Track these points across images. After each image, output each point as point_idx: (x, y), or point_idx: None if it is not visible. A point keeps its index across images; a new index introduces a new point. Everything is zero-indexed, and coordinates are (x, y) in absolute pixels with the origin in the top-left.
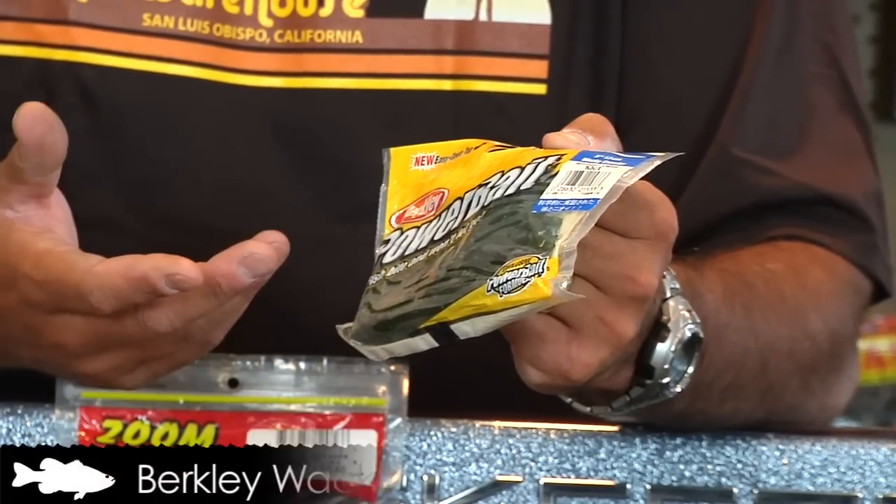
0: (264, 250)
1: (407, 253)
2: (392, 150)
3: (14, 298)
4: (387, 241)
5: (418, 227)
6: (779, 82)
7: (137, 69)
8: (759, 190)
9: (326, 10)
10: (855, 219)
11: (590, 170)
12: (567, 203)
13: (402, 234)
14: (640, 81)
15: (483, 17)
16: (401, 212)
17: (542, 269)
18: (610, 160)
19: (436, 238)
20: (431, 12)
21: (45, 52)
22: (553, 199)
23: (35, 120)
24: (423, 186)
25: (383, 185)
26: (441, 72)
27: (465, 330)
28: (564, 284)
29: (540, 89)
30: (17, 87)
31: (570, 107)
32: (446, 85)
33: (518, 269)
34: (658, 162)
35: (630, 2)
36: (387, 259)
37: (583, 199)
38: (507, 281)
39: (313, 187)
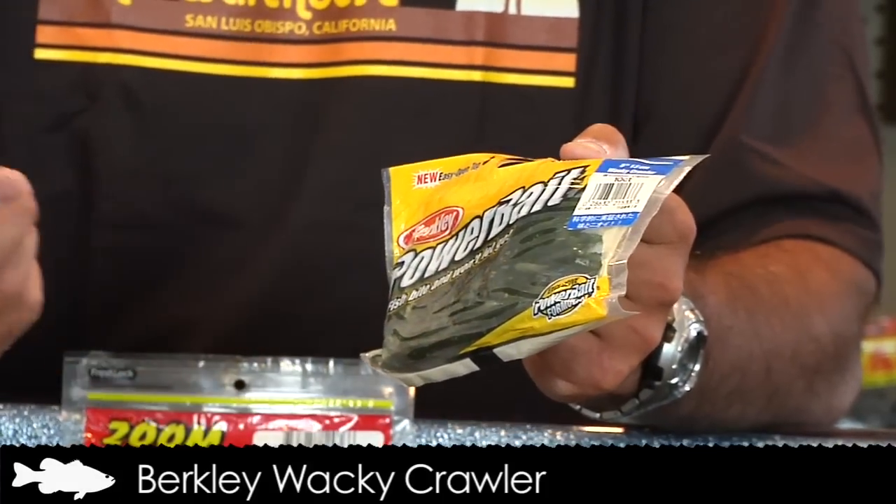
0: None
1: (426, 275)
2: (392, 169)
3: None
4: (400, 264)
5: (434, 248)
6: (792, 77)
7: (180, 70)
8: (765, 180)
9: (362, 0)
10: (861, 216)
11: (620, 181)
12: (604, 218)
13: (416, 255)
14: (657, 75)
15: (512, 10)
16: (408, 232)
17: (592, 288)
18: (637, 169)
19: (457, 258)
20: (463, 4)
21: (88, 56)
22: (588, 215)
23: None
24: (430, 205)
25: (385, 205)
26: (471, 63)
27: (510, 353)
28: (616, 302)
29: (568, 82)
30: (59, 91)
31: (594, 100)
32: (476, 76)
33: (566, 291)
34: (688, 168)
35: None
36: (405, 283)
37: (621, 214)
38: (556, 303)
39: (338, 173)
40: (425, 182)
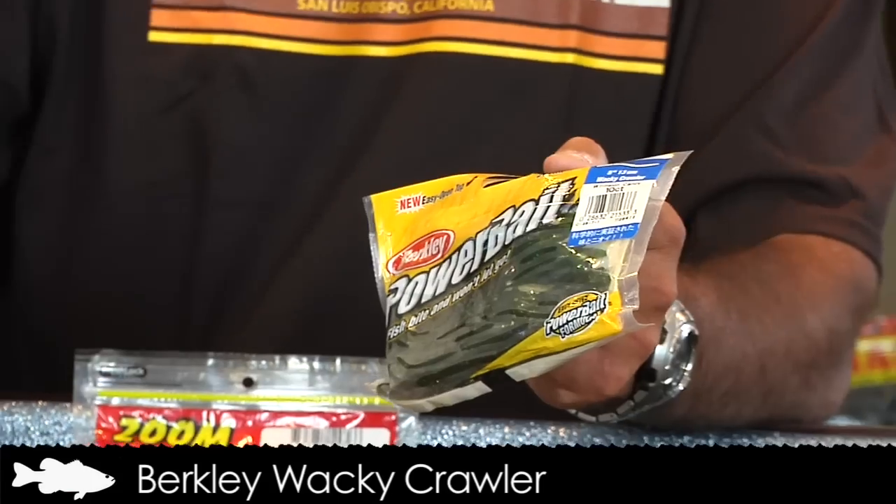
0: None
1: (423, 300)
2: (373, 197)
3: None
4: (394, 290)
5: (427, 273)
6: (824, 75)
7: (292, 51)
8: (772, 160)
9: None
10: (867, 207)
11: (612, 192)
12: (605, 232)
13: (409, 280)
14: (696, 57)
15: None
16: (396, 257)
17: (604, 304)
18: (625, 174)
19: (454, 282)
20: None
21: (202, 38)
22: (587, 231)
23: None
24: (416, 229)
25: (370, 232)
26: (564, 46)
27: (523, 373)
28: (631, 315)
29: (657, 69)
30: (173, 74)
31: (678, 87)
32: (568, 58)
33: (577, 308)
34: (676, 168)
35: None
36: (402, 309)
37: (621, 227)
38: (569, 322)
39: (426, 147)
40: (408, 207)
